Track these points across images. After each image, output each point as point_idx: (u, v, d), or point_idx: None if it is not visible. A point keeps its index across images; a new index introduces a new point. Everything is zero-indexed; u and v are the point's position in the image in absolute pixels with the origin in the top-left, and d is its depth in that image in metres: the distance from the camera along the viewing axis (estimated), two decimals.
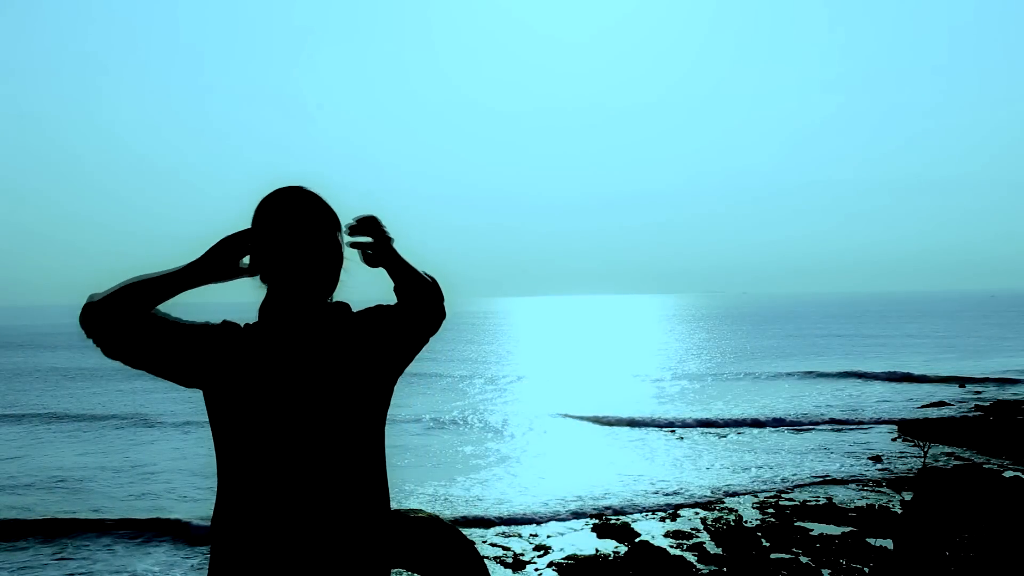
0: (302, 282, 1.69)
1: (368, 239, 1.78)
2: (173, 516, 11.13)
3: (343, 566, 1.62)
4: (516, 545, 9.97)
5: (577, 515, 11.22)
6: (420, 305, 1.78)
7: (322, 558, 1.60)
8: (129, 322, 1.61)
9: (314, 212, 1.71)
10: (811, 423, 19.02)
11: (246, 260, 1.74)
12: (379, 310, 1.78)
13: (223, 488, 1.66)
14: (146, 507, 11.85)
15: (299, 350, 1.66)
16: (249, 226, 1.74)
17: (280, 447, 1.61)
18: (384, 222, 1.79)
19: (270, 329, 1.69)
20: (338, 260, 1.75)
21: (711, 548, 9.48)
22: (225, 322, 1.72)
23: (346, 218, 1.77)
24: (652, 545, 9.06)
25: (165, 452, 16.29)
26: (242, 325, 1.73)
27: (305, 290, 1.69)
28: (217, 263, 1.71)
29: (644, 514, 11.28)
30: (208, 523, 10.83)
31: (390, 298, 1.85)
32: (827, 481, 12.99)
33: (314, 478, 1.62)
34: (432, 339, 1.87)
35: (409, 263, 1.82)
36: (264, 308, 1.72)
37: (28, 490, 13.25)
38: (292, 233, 1.68)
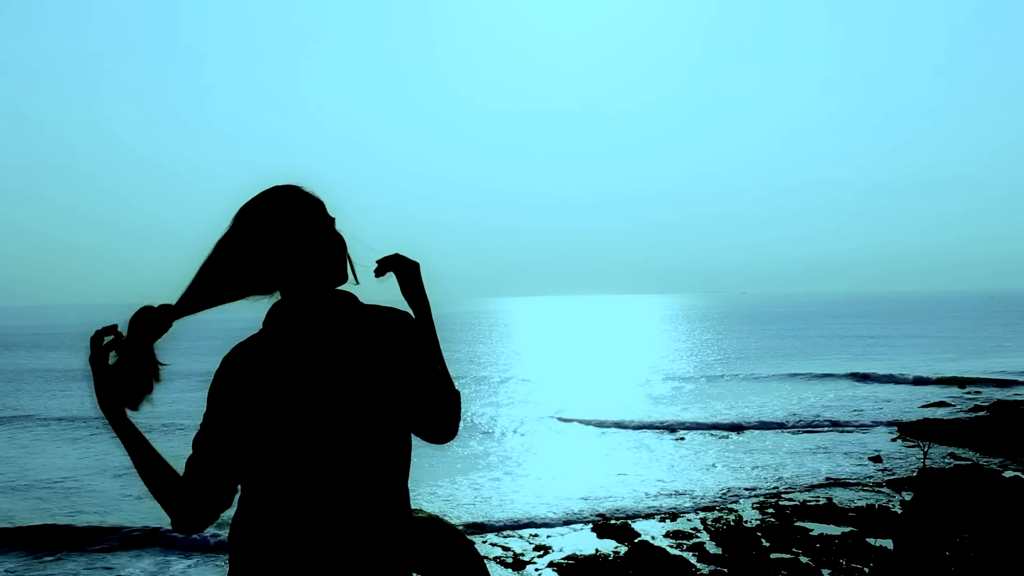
0: (311, 279, 1.64)
1: (394, 270, 1.79)
2: (166, 522, 11.05)
3: (367, 571, 1.59)
4: (516, 545, 9.97)
5: (577, 516, 11.22)
6: (433, 412, 1.70)
7: (347, 563, 1.57)
8: (200, 489, 1.61)
9: (309, 205, 1.67)
10: (811, 424, 19.02)
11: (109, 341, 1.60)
12: (404, 322, 1.70)
13: (246, 496, 1.63)
14: (140, 511, 11.75)
15: (314, 353, 1.61)
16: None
17: (306, 455, 1.57)
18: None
19: (280, 336, 1.63)
20: (341, 249, 1.69)
21: (711, 548, 9.49)
22: (234, 351, 1.65)
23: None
24: (652, 545, 9.07)
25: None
26: (248, 339, 1.66)
27: (314, 286, 1.65)
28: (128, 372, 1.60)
29: (644, 514, 11.28)
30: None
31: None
32: (827, 481, 12.99)
33: (340, 484, 1.58)
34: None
35: (443, 357, 1.75)
36: (272, 314, 1.66)
37: (26, 491, 13.23)
38: (296, 229, 1.63)
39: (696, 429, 18.65)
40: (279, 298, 1.69)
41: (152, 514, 11.38)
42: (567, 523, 10.92)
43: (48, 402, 25.08)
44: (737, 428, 18.65)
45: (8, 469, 15.05)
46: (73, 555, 10.05)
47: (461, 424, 1.88)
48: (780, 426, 18.76)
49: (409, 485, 1.72)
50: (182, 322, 1.66)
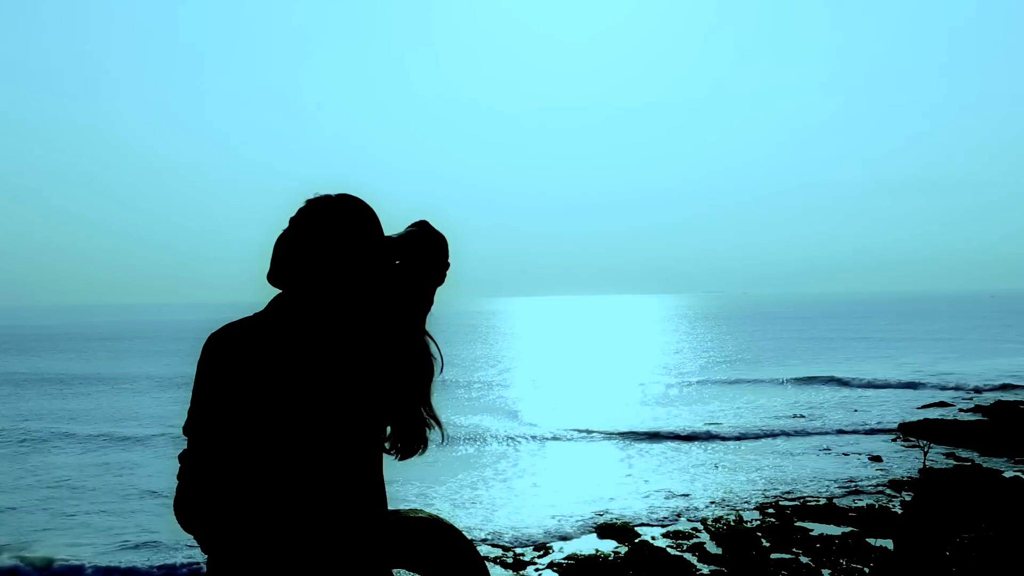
0: (344, 296, 1.63)
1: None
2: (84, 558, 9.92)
3: (347, 569, 1.59)
4: (516, 546, 9.97)
5: (577, 517, 11.21)
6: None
7: (329, 561, 1.57)
8: (202, 483, 1.56)
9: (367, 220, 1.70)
10: (811, 425, 19.01)
11: None
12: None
13: (227, 485, 1.59)
14: (65, 542, 10.69)
15: (320, 348, 1.59)
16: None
17: (309, 450, 1.56)
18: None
19: (286, 332, 1.60)
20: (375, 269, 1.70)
21: (711, 548, 9.49)
22: (225, 332, 1.58)
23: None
24: (652, 545, 9.08)
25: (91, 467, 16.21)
26: (240, 322, 1.61)
27: (333, 286, 1.62)
28: None
29: (644, 515, 11.27)
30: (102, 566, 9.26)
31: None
32: (827, 482, 12.99)
33: (325, 484, 1.57)
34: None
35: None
36: (277, 303, 1.63)
37: None
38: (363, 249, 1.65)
39: (696, 432, 18.63)
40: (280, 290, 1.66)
41: (78, 546, 10.47)
42: (567, 524, 10.91)
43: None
44: (737, 430, 18.64)
45: None
46: None
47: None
48: (780, 427, 18.75)
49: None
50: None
